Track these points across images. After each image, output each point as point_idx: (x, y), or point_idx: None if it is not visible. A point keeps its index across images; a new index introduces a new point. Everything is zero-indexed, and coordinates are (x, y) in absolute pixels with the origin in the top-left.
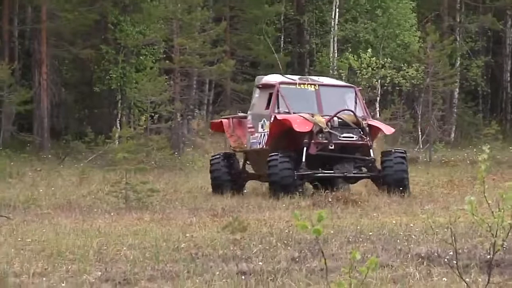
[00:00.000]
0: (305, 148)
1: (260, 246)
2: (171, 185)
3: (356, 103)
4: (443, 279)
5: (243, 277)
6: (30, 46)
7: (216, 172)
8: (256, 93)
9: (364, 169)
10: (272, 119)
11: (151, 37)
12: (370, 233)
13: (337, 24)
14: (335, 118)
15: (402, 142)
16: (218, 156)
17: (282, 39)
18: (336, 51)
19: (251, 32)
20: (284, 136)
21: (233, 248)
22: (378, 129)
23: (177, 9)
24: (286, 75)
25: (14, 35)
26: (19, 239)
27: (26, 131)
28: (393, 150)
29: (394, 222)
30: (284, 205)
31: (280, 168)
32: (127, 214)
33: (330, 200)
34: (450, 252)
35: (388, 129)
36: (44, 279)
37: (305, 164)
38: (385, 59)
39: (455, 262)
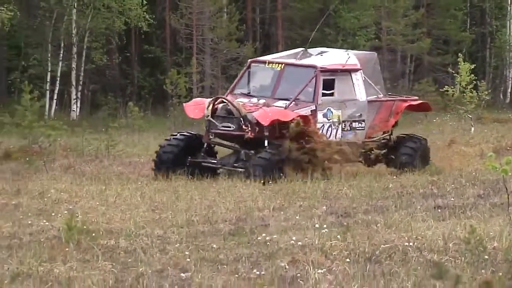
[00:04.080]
0: None
1: (452, 185)
2: None
3: (315, 86)
4: None
5: (439, 210)
6: (269, 30)
7: None
8: None
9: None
10: None
11: (364, 21)
12: None
13: None
14: (220, 106)
15: None
16: None
17: (468, 21)
18: None
19: (444, 16)
20: None
21: (431, 187)
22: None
23: None
24: (325, 48)
25: (256, 21)
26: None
27: None
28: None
29: None
30: (475, 153)
31: (165, 149)
32: None
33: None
34: None
35: (285, 116)
36: (282, 212)
37: (205, 151)
38: None
39: None
